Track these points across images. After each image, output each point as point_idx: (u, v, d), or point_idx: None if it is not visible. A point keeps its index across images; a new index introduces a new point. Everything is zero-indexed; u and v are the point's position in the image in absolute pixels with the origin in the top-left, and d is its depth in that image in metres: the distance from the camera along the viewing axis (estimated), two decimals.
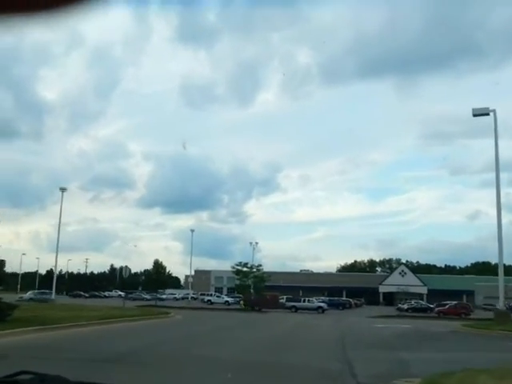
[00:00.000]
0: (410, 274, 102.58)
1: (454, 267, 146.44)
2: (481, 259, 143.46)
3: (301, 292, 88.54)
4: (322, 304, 61.57)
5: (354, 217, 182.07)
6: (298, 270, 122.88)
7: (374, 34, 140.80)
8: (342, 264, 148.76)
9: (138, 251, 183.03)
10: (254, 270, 53.49)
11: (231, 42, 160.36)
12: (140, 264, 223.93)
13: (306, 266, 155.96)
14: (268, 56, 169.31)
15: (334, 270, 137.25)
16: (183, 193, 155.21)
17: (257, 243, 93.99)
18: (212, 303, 76.29)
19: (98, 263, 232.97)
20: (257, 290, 53.19)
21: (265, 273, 54.13)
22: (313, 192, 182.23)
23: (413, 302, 76.89)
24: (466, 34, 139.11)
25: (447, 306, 60.84)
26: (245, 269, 53.51)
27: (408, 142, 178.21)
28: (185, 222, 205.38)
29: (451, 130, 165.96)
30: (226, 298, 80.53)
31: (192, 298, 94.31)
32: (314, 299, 64.79)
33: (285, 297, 64.47)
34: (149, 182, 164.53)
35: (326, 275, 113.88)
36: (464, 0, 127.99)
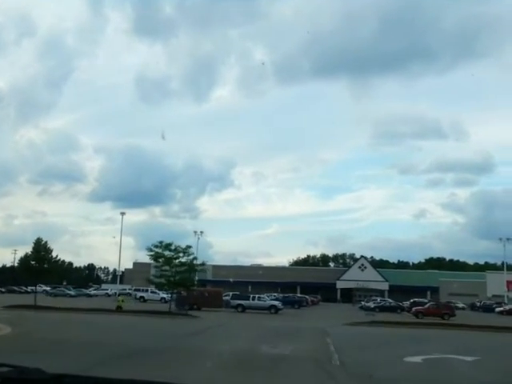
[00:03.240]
0: (370, 269, 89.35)
1: (408, 263, 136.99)
2: (428, 256, 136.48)
3: (250, 288, 74.08)
4: (275, 302, 48.97)
5: (306, 214, 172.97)
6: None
7: (328, 33, 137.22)
8: (295, 259, 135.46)
9: (87, 245, 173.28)
10: (182, 254, 35.01)
11: (188, 37, 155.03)
12: (89, 259, 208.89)
13: (258, 262, 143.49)
14: (224, 52, 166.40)
15: (286, 265, 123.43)
16: (136, 187, 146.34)
17: (202, 232, 78.96)
18: (145, 300, 64.12)
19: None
20: (186, 284, 36.38)
21: (195, 258, 36.21)
22: (266, 189, 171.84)
23: (379, 300, 63.72)
24: (418, 37, 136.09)
25: (427, 305, 48.00)
26: (167, 253, 34.41)
27: (360, 141, 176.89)
28: (137, 216, 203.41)
29: (402, 130, 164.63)
30: (163, 295, 66.13)
31: (127, 293, 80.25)
32: (265, 296, 52.22)
33: (230, 293, 50.40)
34: (100, 176, 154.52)
35: (279, 269, 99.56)
36: (417, 3, 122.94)
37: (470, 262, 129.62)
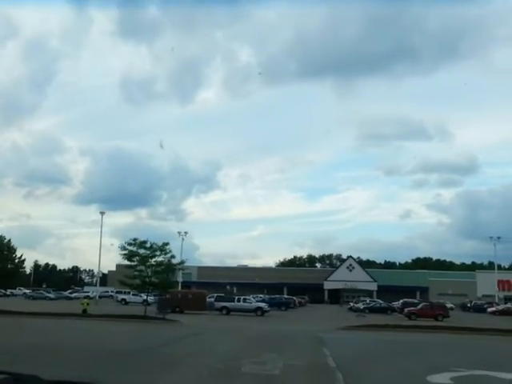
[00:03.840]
0: (358, 269, 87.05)
1: (394, 263, 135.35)
2: (415, 256, 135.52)
3: (235, 289, 71.27)
4: (261, 304, 46.15)
5: (292, 215, 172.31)
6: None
7: (314, 35, 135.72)
8: (281, 260, 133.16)
9: (73, 248, 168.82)
10: (158, 253, 31.06)
11: (173, 39, 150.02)
12: (74, 262, 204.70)
13: (244, 263, 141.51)
14: (210, 54, 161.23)
15: (272, 266, 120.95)
16: (121, 189, 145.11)
17: (186, 233, 76.01)
18: (127, 303, 61.25)
19: (29, 261, 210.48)
20: (165, 285, 33.20)
21: (173, 257, 32.58)
22: (252, 190, 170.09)
23: (368, 301, 61.33)
24: (403, 39, 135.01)
25: (420, 306, 45.64)
26: (143, 251, 30.75)
27: (345, 142, 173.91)
28: (123, 218, 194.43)
29: (387, 131, 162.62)
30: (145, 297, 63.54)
31: (110, 296, 77.61)
32: (251, 297, 49.56)
33: (215, 295, 47.68)
34: (86, 178, 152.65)
35: (265, 270, 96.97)
36: (401, 5, 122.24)
37: (457, 261, 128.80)
